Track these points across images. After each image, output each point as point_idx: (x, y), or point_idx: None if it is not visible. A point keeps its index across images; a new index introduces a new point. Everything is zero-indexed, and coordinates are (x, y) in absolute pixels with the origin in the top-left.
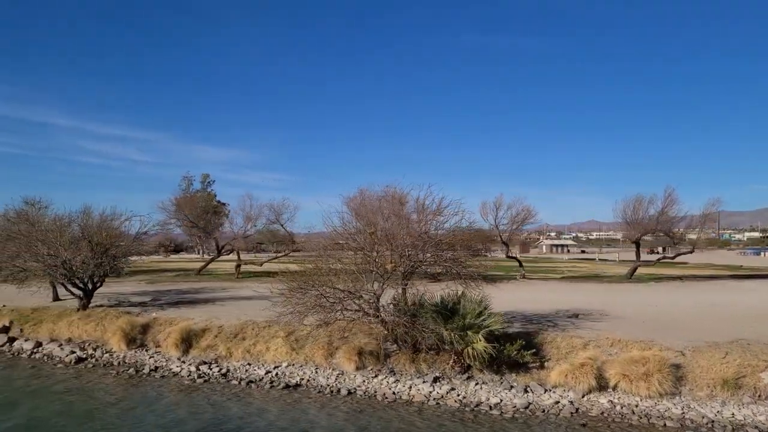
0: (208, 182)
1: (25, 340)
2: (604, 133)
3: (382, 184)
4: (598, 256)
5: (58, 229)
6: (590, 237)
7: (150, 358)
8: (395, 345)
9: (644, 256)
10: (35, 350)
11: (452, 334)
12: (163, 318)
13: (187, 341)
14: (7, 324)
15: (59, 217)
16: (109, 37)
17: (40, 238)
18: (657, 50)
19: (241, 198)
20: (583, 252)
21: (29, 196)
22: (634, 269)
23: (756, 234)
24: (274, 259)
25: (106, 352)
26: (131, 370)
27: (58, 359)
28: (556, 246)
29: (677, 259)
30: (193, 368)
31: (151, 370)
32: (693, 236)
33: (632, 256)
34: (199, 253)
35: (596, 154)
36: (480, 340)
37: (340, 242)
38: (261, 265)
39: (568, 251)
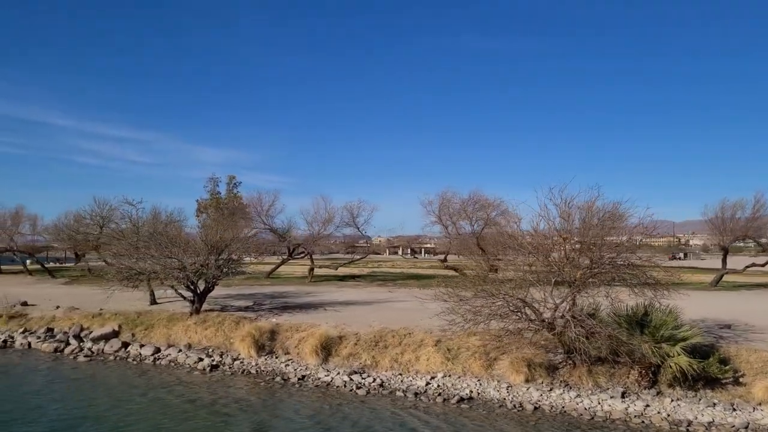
0: (234, 184)
1: (141, 346)
2: (604, 133)
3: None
4: None
5: (177, 230)
6: None
7: (286, 366)
8: (558, 356)
9: (665, 263)
10: (156, 356)
11: (650, 347)
12: (286, 324)
13: (326, 349)
14: (116, 328)
15: (173, 218)
16: (107, 35)
17: (159, 241)
18: (657, 50)
19: (316, 199)
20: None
21: (128, 196)
22: (721, 276)
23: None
24: (351, 263)
25: (236, 359)
26: (278, 379)
27: (188, 366)
28: None
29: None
30: (345, 378)
31: (298, 379)
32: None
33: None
34: None
35: (596, 154)
36: (679, 354)
37: (519, 247)
38: (336, 269)
39: None
